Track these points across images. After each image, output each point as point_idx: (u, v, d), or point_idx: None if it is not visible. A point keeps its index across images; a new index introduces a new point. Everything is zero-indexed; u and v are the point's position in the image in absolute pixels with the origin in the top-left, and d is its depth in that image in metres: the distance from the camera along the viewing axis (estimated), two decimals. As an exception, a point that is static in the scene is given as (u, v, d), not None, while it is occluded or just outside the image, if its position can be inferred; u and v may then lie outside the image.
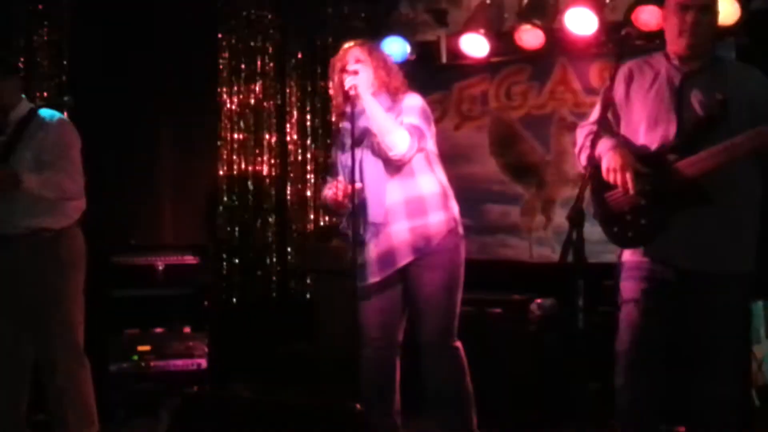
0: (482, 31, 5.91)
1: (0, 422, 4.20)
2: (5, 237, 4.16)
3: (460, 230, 4.16)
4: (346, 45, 4.24)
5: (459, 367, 4.12)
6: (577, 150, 3.74)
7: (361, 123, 4.09)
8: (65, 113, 5.10)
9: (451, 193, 4.18)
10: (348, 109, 4.08)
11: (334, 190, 4.06)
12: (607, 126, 3.58)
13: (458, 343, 4.13)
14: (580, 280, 3.13)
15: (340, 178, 4.10)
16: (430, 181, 4.09)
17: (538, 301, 5.22)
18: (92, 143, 4.59)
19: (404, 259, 4.05)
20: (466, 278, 4.15)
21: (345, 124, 4.17)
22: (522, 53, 5.83)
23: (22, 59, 6.39)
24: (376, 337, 4.16)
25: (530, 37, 5.71)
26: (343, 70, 4.11)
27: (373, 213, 4.06)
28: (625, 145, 3.48)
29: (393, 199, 4.04)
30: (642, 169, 3.39)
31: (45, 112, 4.30)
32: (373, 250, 4.08)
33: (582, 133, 3.72)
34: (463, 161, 6.01)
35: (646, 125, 3.50)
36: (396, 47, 5.91)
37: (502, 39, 5.92)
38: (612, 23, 5.47)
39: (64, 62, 6.54)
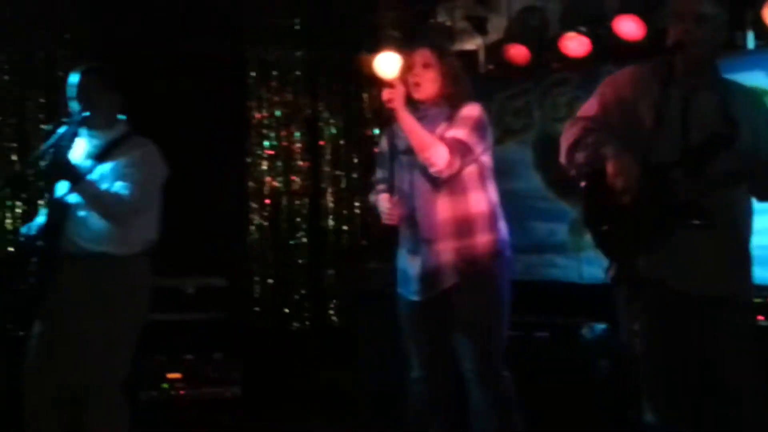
0: (524, 39, 5.92)
1: None
2: (69, 256, 4.19)
3: (508, 252, 4.14)
4: (417, 45, 4.23)
5: (506, 399, 4.09)
6: (568, 145, 3.59)
7: None
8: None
9: (500, 212, 4.16)
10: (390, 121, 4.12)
11: (389, 207, 4.08)
12: (606, 126, 3.51)
13: (507, 373, 4.11)
14: (635, 303, 3.14)
15: (395, 198, 4.11)
16: (480, 200, 4.08)
17: (589, 324, 5.21)
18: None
19: (448, 282, 4.03)
20: (511, 300, 4.15)
21: (399, 130, 4.15)
22: (567, 62, 5.82)
23: (43, 73, 6.53)
24: (424, 364, 4.17)
25: (575, 44, 5.71)
26: (410, 69, 4.13)
27: (424, 228, 4.05)
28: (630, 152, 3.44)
29: (443, 216, 4.03)
30: (645, 181, 3.35)
31: (140, 137, 4.35)
32: (417, 267, 4.09)
33: (576, 128, 3.58)
34: (505, 177, 5.94)
35: (649, 135, 3.42)
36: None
37: (546, 47, 5.93)
38: (663, 30, 5.46)
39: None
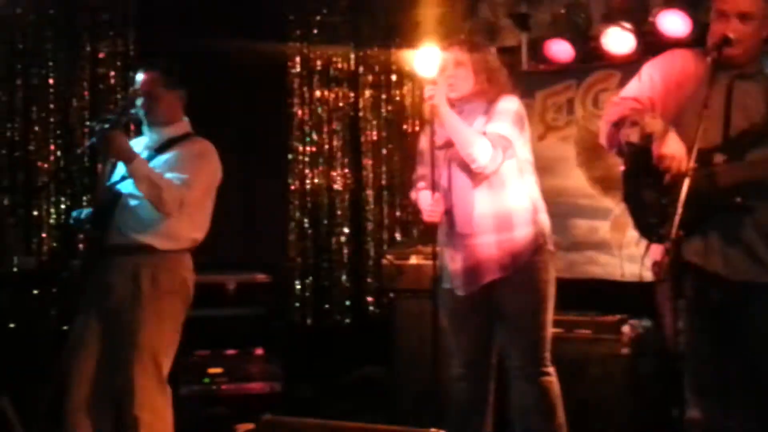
0: (567, 35, 5.90)
1: None
2: (114, 247, 4.22)
3: (550, 246, 4.13)
4: (447, 44, 4.24)
5: (551, 396, 4.07)
6: (611, 123, 3.59)
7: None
8: (132, 126, 5.22)
9: (541, 206, 4.15)
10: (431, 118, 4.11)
11: (430, 204, 4.08)
12: (650, 106, 3.51)
13: (551, 369, 4.11)
14: (679, 299, 3.12)
15: (436, 195, 4.11)
16: (519, 194, 4.07)
17: (632, 322, 5.17)
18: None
19: (490, 276, 4.03)
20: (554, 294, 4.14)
21: (438, 126, 4.14)
22: (610, 58, 5.78)
23: (87, 70, 6.59)
24: (466, 360, 4.17)
25: (619, 40, 5.67)
26: (443, 71, 4.13)
27: (461, 223, 4.05)
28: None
29: (481, 211, 4.03)
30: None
31: (200, 137, 4.40)
32: (458, 262, 4.08)
33: (620, 107, 3.59)
34: (547, 174, 5.93)
35: (691, 119, 3.35)
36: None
37: (589, 43, 5.90)
38: (707, 24, 5.41)
39: (130, 73, 6.70)
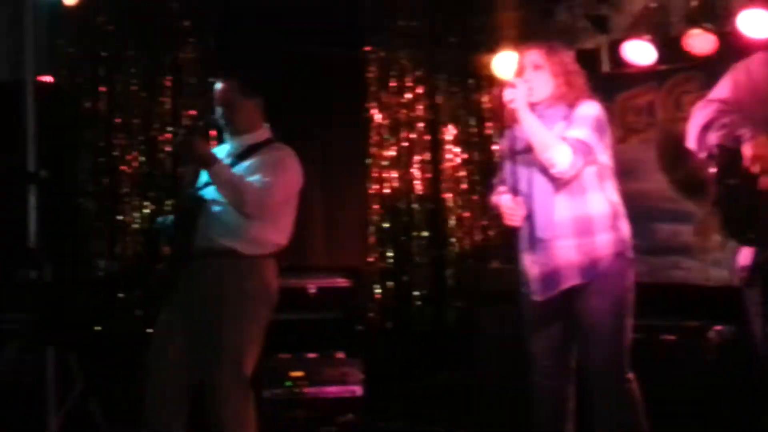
0: (647, 36, 5.85)
1: None
2: (200, 251, 4.28)
3: (630, 253, 4.10)
4: (526, 47, 4.23)
5: (631, 402, 4.05)
6: (699, 127, 3.56)
7: None
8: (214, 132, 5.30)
9: (622, 211, 4.12)
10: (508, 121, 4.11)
11: (511, 208, 4.07)
12: (739, 109, 3.46)
13: (630, 375, 4.07)
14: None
15: (517, 198, 4.10)
16: (599, 200, 4.05)
17: (717, 327, 5.11)
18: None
19: (569, 282, 4.01)
20: (635, 303, 4.11)
21: (518, 131, 4.16)
22: (692, 60, 5.72)
23: (169, 77, 6.69)
24: (546, 365, 4.15)
25: (701, 42, 5.61)
26: (521, 74, 4.12)
27: (541, 228, 4.04)
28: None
29: (561, 216, 4.01)
30: None
31: (280, 143, 4.46)
32: (536, 267, 4.07)
33: (708, 110, 3.56)
34: (628, 177, 5.86)
35: None
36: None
37: (670, 45, 5.84)
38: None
39: (210, 80, 6.79)
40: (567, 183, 4.00)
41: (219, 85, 4.45)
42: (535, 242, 4.07)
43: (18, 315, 4.67)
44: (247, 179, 4.22)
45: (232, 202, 4.18)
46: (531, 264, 4.09)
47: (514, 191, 4.10)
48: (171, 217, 4.48)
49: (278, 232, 4.37)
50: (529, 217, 4.07)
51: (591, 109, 4.06)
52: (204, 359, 4.23)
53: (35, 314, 4.66)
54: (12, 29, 6.08)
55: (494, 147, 6.73)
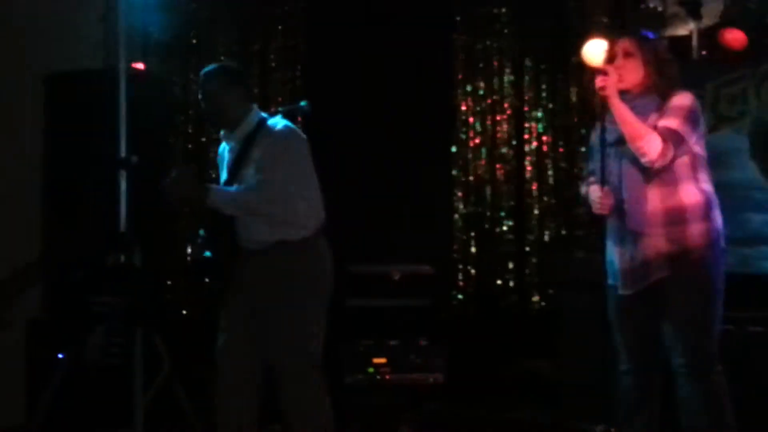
0: (741, 23, 5.72)
1: (230, 425, 4.33)
2: (246, 251, 4.30)
3: (722, 242, 4.03)
4: (617, 34, 4.17)
5: (718, 394, 3.98)
6: None
7: None
8: (300, 119, 5.30)
9: (716, 202, 4.05)
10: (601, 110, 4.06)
11: (600, 197, 4.03)
12: None
13: (719, 368, 4.00)
14: None
15: (606, 188, 4.05)
16: (692, 190, 3.99)
17: (808, 319, 5.00)
18: (325, 149, 4.66)
19: (659, 273, 3.95)
20: (724, 294, 4.02)
21: (608, 122, 4.09)
22: (787, 47, 5.62)
23: (258, 65, 6.75)
24: (633, 358, 4.10)
25: (797, 28, 5.50)
26: (612, 59, 4.06)
27: (632, 220, 3.99)
28: None
29: (653, 207, 3.96)
30: None
31: (272, 122, 4.34)
32: (626, 260, 4.02)
33: None
34: (719, 166, 5.75)
35: None
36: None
37: (764, 31, 5.71)
38: None
39: (299, 67, 6.83)
40: (659, 174, 3.95)
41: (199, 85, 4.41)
42: (625, 235, 4.02)
43: (107, 298, 4.73)
44: (254, 180, 4.19)
45: (247, 215, 4.20)
46: (620, 257, 4.05)
47: (604, 181, 4.05)
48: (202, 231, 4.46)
49: (313, 206, 4.31)
50: (620, 210, 4.03)
51: (685, 99, 3.99)
52: (269, 347, 4.25)
53: (124, 298, 4.72)
54: (105, 17, 6.17)
55: (582, 135, 6.66)
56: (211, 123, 4.40)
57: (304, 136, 4.36)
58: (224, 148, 4.47)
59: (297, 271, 4.24)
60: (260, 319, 4.26)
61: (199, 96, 4.40)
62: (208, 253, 4.35)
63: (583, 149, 6.67)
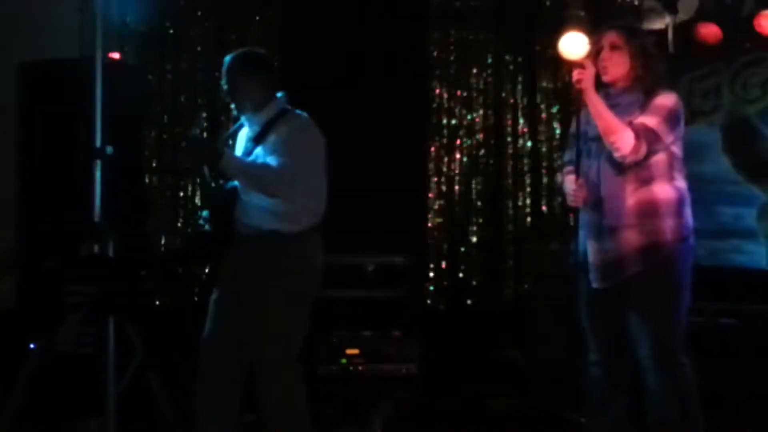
0: (716, 17, 5.76)
1: (209, 418, 4.35)
2: (240, 237, 4.30)
3: (692, 239, 4.07)
4: (605, 27, 4.17)
5: (685, 386, 4.01)
6: None
7: None
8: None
9: (688, 200, 4.09)
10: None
11: (574, 189, 4.05)
12: None
13: (685, 360, 4.03)
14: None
15: (580, 180, 4.07)
16: (666, 187, 4.02)
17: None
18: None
19: (631, 269, 3.99)
20: (694, 286, 4.06)
21: (588, 117, 4.12)
22: (762, 41, 5.63)
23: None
24: (603, 350, 4.13)
25: (771, 23, 5.53)
26: (598, 53, 4.08)
27: (609, 215, 4.02)
28: None
29: (628, 202, 3.99)
30: None
31: (295, 112, 4.37)
32: (600, 255, 4.05)
33: None
34: (692, 159, 5.78)
35: None
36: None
37: (739, 26, 5.75)
38: None
39: (275, 58, 6.82)
40: (635, 171, 3.98)
41: (223, 70, 4.43)
42: (601, 230, 4.04)
43: (81, 288, 4.72)
44: (266, 159, 4.21)
45: (253, 190, 4.18)
46: (595, 251, 4.07)
47: (578, 172, 4.07)
48: (206, 212, 4.49)
49: (312, 202, 4.33)
50: (597, 206, 4.05)
51: (668, 99, 4.02)
52: (252, 338, 4.26)
53: (97, 287, 4.71)
54: (82, 7, 6.15)
55: (558, 128, 6.70)
56: (235, 108, 4.43)
57: (322, 136, 4.39)
58: (242, 132, 4.49)
59: (284, 263, 4.25)
60: (245, 306, 4.27)
61: (222, 80, 4.41)
62: (207, 228, 4.40)
63: (556, 143, 6.73)
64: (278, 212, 4.24)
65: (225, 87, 4.41)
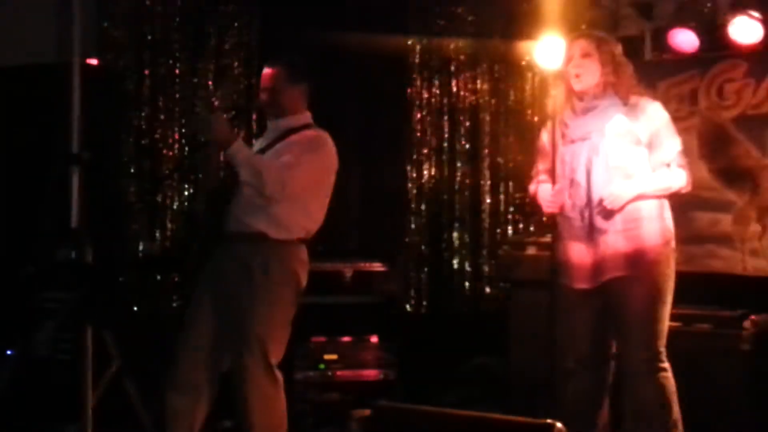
0: (692, 24, 5.78)
1: (178, 421, 4.35)
2: (229, 234, 4.31)
3: (673, 243, 4.11)
4: (575, 35, 4.24)
5: (666, 390, 4.04)
6: None
7: (589, 120, 4.06)
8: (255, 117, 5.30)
9: (667, 204, 4.12)
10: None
11: (551, 196, 4.06)
12: None
13: (666, 364, 4.04)
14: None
15: (557, 186, 4.09)
16: None
17: (753, 317, 5.04)
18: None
19: (614, 272, 4.01)
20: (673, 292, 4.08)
21: (568, 119, 4.12)
22: (737, 48, 5.65)
23: (212, 62, 6.73)
24: (584, 351, 4.14)
25: (746, 30, 5.54)
26: (569, 62, 4.09)
27: (601, 218, 4.05)
28: None
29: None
30: None
31: (318, 129, 4.42)
32: (585, 256, 4.05)
33: None
34: (669, 165, 5.88)
35: None
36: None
37: (714, 32, 5.77)
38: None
39: (254, 63, 6.81)
40: (622, 171, 4.03)
41: (267, 69, 4.44)
42: (592, 231, 4.06)
43: (58, 294, 4.70)
44: (269, 159, 4.21)
45: (252, 183, 4.17)
46: (577, 252, 4.08)
47: (554, 180, 4.08)
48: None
49: (307, 217, 4.35)
50: (587, 209, 4.08)
51: (662, 112, 4.16)
52: (231, 343, 4.24)
53: (74, 293, 4.69)
54: (60, 12, 6.12)
55: (535, 134, 6.70)
56: (267, 110, 4.44)
57: (337, 159, 4.42)
58: (259, 139, 4.55)
59: (268, 268, 4.25)
60: (227, 316, 4.27)
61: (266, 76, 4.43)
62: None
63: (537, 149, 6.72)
64: (271, 215, 4.23)
65: (268, 90, 4.40)
